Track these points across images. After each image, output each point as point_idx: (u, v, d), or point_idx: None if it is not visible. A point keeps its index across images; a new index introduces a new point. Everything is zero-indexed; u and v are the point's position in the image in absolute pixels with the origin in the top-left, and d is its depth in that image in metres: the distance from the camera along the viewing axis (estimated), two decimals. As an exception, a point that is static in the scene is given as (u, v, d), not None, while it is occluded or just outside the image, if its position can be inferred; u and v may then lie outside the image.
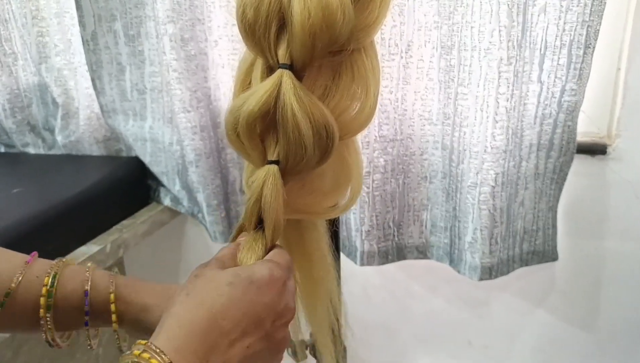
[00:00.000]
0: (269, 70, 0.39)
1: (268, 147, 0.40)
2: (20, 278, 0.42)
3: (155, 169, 1.05)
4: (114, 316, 0.43)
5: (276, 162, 0.39)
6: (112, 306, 0.43)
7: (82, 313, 0.44)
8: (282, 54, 0.38)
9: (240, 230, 0.42)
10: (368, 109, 0.41)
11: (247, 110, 0.38)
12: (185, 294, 0.35)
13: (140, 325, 0.44)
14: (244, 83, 0.41)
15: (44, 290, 0.42)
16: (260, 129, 0.40)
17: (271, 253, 0.40)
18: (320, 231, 0.47)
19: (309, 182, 0.42)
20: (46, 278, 0.43)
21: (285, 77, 0.38)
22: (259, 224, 0.41)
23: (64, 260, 0.46)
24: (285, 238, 0.45)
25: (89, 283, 0.44)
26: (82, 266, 0.46)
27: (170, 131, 0.98)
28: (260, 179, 0.39)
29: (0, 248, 0.45)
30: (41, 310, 0.42)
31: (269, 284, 0.36)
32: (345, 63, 0.40)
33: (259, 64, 0.40)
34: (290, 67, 0.38)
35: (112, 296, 0.44)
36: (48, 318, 0.42)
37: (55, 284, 0.43)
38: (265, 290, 0.36)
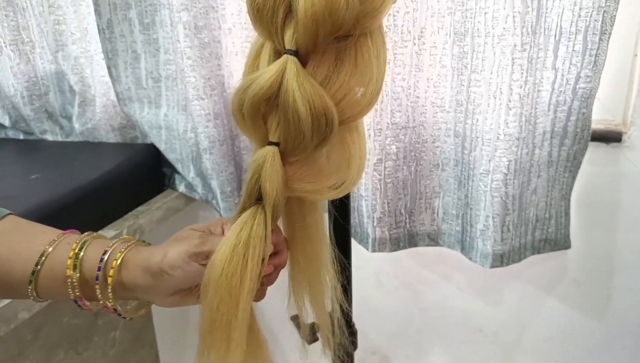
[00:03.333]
0: (277, 54, 0.40)
1: (270, 128, 0.42)
2: (55, 243, 0.45)
3: (170, 156, 1.06)
4: (112, 271, 0.44)
5: (276, 144, 0.41)
6: (114, 263, 0.45)
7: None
8: (288, 39, 0.39)
9: (242, 207, 0.44)
10: (371, 94, 0.41)
11: (253, 92, 0.40)
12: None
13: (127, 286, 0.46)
14: (253, 65, 0.43)
15: (71, 253, 0.45)
16: (264, 111, 0.41)
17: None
18: (319, 211, 0.48)
19: (309, 163, 0.43)
20: (75, 244, 0.45)
21: (290, 63, 0.39)
22: (259, 200, 0.43)
23: (95, 233, 0.48)
24: (286, 216, 0.47)
25: (112, 247, 0.46)
26: (110, 239, 0.48)
27: (184, 118, 0.99)
28: (260, 159, 0.41)
29: (42, 225, 0.49)
30: (68, 270, 0.44)
31: None
32: (350, 48, 0.40)
33: (268, 48, 0.41)
34: (296, 52, 0.39)
35: (121, 254, 0.45)
36: (74, 278, 0.44)
37: (83, 247, 0.45)
38: None
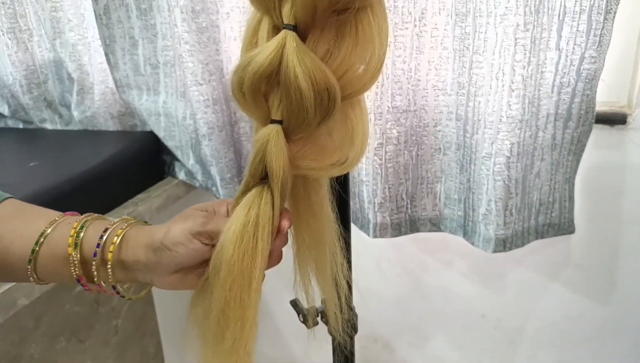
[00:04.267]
0: (275, 30, 0.39)
1: (272, 106, 0.41)
2: (55, 223, 0.46)
3: (169, 143, 1.05)
4: (112, 247, 0.44)
5: (279, 121, 0.40)
6: (115, 239, 0.45)
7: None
8: (286, 13, 0.38)
9: (246, 187, 0.43)
10: (373, 69, 0.40)
11: (252, 70, 0.39)
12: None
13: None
14: (251, 42, 0.42)
15: (72, 231, 0.45)
16: (265, 89, 0.40)
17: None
18: (323, 188, 0.48)
19: (313, 140, 0.42)
20: (76, 224, 0.45)
21: (289, 38, 0.38)
22: (263, 180, 0.42)
23: (95, 214, 0.48)
24: (291, 194, 0.46)
25: (113, 226, 0.46)
26: (112, 219, 0.48)
27: (183, 105, 0.98)
28: (264, 138, 0.40)
29: (43, 208, 0.49)
30: (69, 248, 0.44)
31: None
32: (350, 22, 0.39)
33: (266, 23, 0.40)
34: (295, 27, 0.38)
35: (122, 231, 0.45)
36: (75, 256, 0.44)
37: (84, 227, 0.45)
38: None
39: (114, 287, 0.46)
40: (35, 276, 0.45)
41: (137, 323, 1.08)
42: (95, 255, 0.44)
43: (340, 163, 0.43)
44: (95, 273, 0.44)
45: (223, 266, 0.41)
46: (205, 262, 0.44)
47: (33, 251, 0.44)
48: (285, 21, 0.38)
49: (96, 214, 0.48)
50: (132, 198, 1.01)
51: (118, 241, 0.44)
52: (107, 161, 0.97)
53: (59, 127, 1.18)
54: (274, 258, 0.47)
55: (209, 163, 1.00)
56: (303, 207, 0.48)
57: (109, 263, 0.44)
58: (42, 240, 0.45)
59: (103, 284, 0.45)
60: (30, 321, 0.81)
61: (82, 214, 0.48)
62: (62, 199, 0.84)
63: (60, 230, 0.45)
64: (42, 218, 0.46)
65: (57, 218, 0.46)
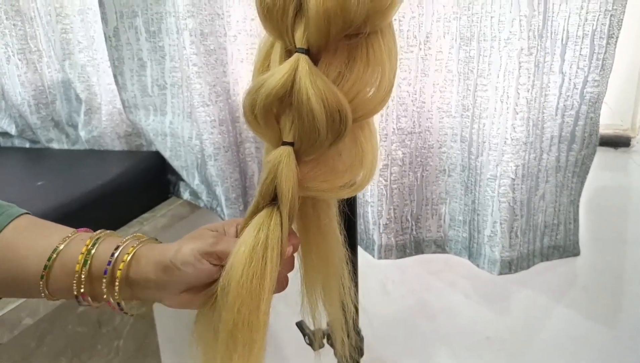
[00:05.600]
0: (288, 53, 0.40)
1: (283, 128, 0.41)
2: (69, 239, 0.46)
3: (175, 163, 1.06)
4: (122, 265, 0.44)
5: (291, 143, 0.41)
6: (126, 257, 0.45)
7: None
8: (299, 37, 0.39)
9: (256, 208, 0.43)
10: (383, 92, 0.41)
11: (265, 92, 0.39)
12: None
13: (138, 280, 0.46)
14: (263, 65, 0.42)
15: (84, 248, 0.45)
16: (277, 111, 0.41)
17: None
18: (332, 209, 0.48)
19: (323, 162, 0.43)
20: (88, 240, 0.46)
21: (302, 62, 0.38)
22: (273, 201, 0.42)
23: (109, 231, 0.48)
24: (301, 216, 0.47)
25: (124, 243, 0.46)
26: (123, 237, 0.48)
27: (189, 125, 0.99)
28: (275, 160, 0.41)
29: (59, 225, 0.49)
30: (77, 265, 0.45)
31: None
32: (361, 46, 0.40)
33: (278, 47, 0.41)
34: (307, 51, 0.39)
35: (133, 248, 0.46)
36: (83, 272, 0.44)
37: (96, 244, 0.46)
38: None
39: (118, 304, 0.46)
40: (46, 291, 0.45)
41: (138, 344, 1.07)
42: (105, 272, 0.44)
43: (349, 185, 0.44)
44: (104, 289, 0.45)
45: (232, 287, 0.41)
46: (215, 282, 0.44)
47: (45, 266, 0.45)
48: (298, 45, 0.39)
49: (109, 231, 0.49)
50: (138, 217, 1.01)
51: (129, 259, 0.45)
52: (113, 181, 0.97)
53: (65, 147, 1.19)
54: (279, 284, 0.46)
55: (214, 183, 1.00)
56: (312, 229, 0.48)
57: (117, 279, 0.45)
58: (54, 255, 0.45)
59: (112, 301, 0.45)
60: (33, 340, 0.81)
61: (106, 230, 0.49)
62: (68, 218, 0.85)
63: (74, 246, 0.46)
64: (56, 234, 0.47)
65: (70, 234, 0.47)
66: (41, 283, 0.45)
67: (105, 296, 0.45)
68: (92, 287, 0.45)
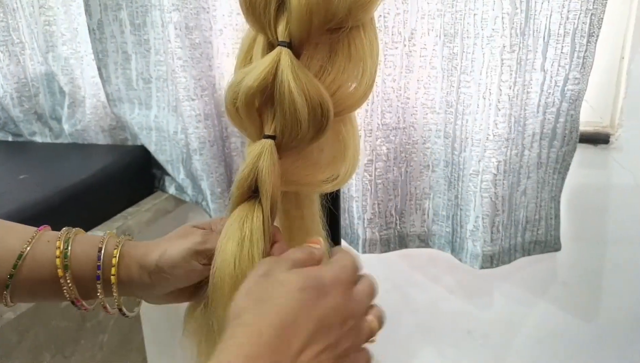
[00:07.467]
0: (270, 46, 0.40)
1: (265, 122, 0.41)
2: (32, 242, 0.43)
3: (160, 157, 1.06)
4: (113, 269, 0.43)
5: (272, 137, 0.40)
6: (114, 260, 0.43)
7: (94, 274, 0.43)
8: (281, 31, 0.39)
9: (238, 201, 0.43)
10: (365, 86, 0.41)
11: (246, 85, 0.39)
12: (253, 299, 0.34)
13: (141, 275, 0.44)
14: (245, 59, 0.42)
15: (57, 251, 0.43)
16: (259, 104, 0.41)
17: (338, 254, 0.41)
18: (315, 205, 0.48)
19: (305, 156, 0.43)
20: (58, 242, 0.43)
21: (284, 55, 0.38)
22: (254, 194, 0.42)
23: (73, 229, 0.46)
24: (283, 211, 0.46)
25: (104, 244, 0.44)
26: (94, 235, 0.46)
27: (175, 119, 0.99)
28: (255, 152, 0.40)
29: (11, 222, 0.46)
30: (59, 271, 0.42)
31: (337, 287, 0.36)
32: (343, 41, 0.40)
33: (260, 41, 0.41)
34: (289, 44, 0.39)
35: (116, 250, 0.44)
36: (68, 278, 0.42)
37: (69, 245, 0.43)
38: (334, 293, 0.36)
39: (120, 309, 0.45)
40: (8, 299, 0.42)
41: (123, 339, 1.07)
42: (98, 278, 0.43)
43: (331, 179, 0.44)
44: (99, 294, 0.43)
45: (225, 282, 0.40)
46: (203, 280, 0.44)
47: (11, 275, 0.42)
48: (280, 38, 0.39)
49: (74, 229, 0.46)
50: (122, 212, 1.00)
51: (117, 261, 0.43)
52: (97, 175, 0.96)
53: (48, 140, 1.17)
54: None
55: (199, 178, 1.00)
56: (295, 224, 0.48)
57: (113, 287, 0.43)
58: (20, 262, 0.42)
59: (108, 306, 0.44)
60: (14, 335, 0.80)
61: (69, 227, 0.46)
62: (51, 212, 0.84)
63: (40, 250, 0.43)
64: (14, 235, 0.43)
65: (34, 234, 0.43)
66: (5, 292, 0.42)
67: (102, 303, 0.44)
68: (79, 291, 0.43)
